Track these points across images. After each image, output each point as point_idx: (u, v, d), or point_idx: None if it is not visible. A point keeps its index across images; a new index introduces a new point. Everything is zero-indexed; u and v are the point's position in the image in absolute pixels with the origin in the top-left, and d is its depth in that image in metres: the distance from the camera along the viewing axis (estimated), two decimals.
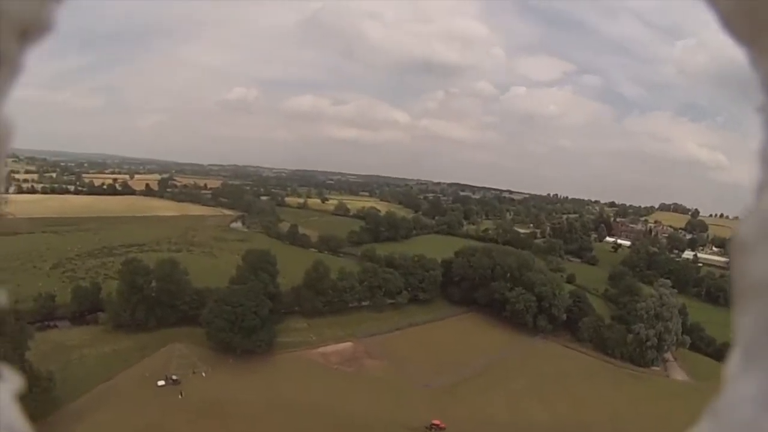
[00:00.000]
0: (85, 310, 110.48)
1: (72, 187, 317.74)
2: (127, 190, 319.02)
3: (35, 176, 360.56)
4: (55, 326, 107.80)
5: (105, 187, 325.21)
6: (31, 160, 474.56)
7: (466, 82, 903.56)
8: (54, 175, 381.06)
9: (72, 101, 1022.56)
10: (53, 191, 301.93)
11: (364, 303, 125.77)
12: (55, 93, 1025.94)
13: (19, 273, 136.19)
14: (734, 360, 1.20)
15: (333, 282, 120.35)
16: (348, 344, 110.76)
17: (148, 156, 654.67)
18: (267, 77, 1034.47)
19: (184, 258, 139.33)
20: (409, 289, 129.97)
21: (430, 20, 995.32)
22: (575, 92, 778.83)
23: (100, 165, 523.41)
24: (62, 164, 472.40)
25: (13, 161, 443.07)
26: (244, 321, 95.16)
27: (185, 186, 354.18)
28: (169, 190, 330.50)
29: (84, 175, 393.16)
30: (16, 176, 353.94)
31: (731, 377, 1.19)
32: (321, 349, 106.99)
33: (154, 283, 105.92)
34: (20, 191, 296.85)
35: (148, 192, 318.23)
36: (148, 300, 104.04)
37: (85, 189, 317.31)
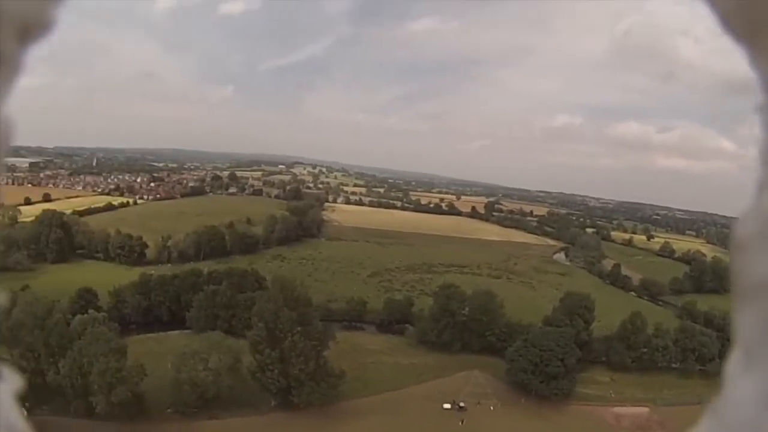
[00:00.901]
0: (394, 320, 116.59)
1: (398, 203, 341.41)
2: (452, 211, 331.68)
3: (363, 190, 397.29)
4: (362, 328, 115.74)
5: (431, 206, 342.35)
6: (360, 175, 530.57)
7: None
8: (381, 190, 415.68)
9: (399, 125, 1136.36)
10: (380, 205, 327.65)
11: (673, 365, 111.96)
12: (384, 118, 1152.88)
13: (338, 276, 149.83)
14: (734, 360, 1.19)
15: (647, 338, 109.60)
16: (644, 409, 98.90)
17: (474, 179, 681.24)
18: (589, 103, 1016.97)
19: (502, 286, 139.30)
20: (725, 356, 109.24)
21: None
22: None
23: (427, 184, 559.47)
24: (390, 181, 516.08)
25: (342, 175, 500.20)
26: (548, 366, 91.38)
27: (511, 211, 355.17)
28: (495, 214, 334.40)
29: (411, 192, 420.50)
30: (345, 188, 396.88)
31: (731, 377, 1.18)
32: (616, 409, 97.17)
33: (467, 310, 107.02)
34: (348, 202, 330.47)
35: (473, 214, 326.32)
36: (458, 325, 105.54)
37: (411, 206, 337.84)
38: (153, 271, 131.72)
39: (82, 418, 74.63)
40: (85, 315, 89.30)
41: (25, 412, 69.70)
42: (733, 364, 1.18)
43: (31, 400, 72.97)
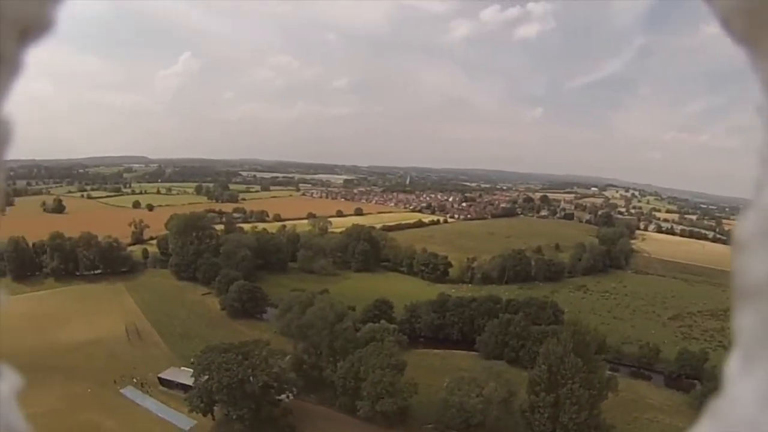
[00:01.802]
0: (684, 374, 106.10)
1: (710, 234, 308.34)
2: None
3: (675, 217, 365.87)
4: (649, 377, 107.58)
5: None
6: (673, 200, 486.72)
7: None
8: (694, 218, 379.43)
9: (711, 142, 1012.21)
10: (691, 235, 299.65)
11: None
12: (695, 135, 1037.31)
13: (637, 315, 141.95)
14: (734, 360, 1.19)
15: None
16: None
17: None
18: None
19: None
20: None
21: None
22: None
23: (735, 210, 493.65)
24: (703, 206, 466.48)
25: (655, 199, 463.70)
26: None
27: None
28: None
29: (724, 221, 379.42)
30: (657, 214, 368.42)
31: (731, 377, 1.18)
32: None
33: None
34: (659, 230, 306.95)
35: None
36: None
37: (723, 237, 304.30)
38: (453, 290, 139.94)
39: (344, 413, 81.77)
40: (377, 324, 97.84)
41: (292, 396, 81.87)
42: (733, 364, 1.20)
43: (304, 387, 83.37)
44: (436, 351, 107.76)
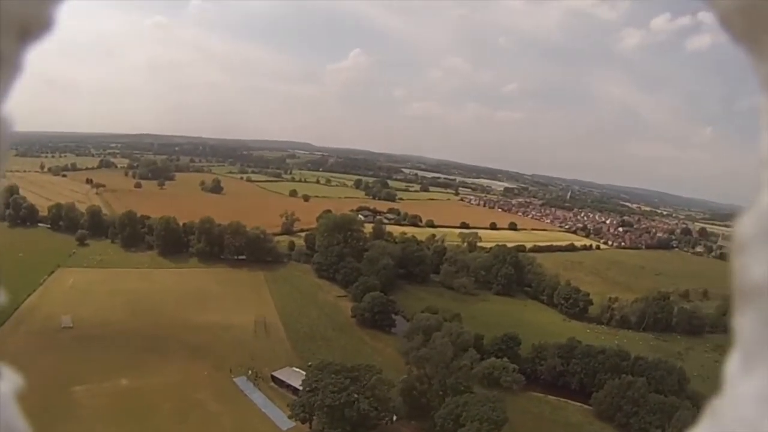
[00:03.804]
0: None
1: None
2: None
3: None
4: None
5: None
6: None
7: None
8: None
9: None
10: None
11: None
12: None
13: None
14: (734, 360, 1.19)
15: None
16: None
17: None
18: None
19: None
20: None
21: None
22: None
23: None
24: None
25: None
26: None
27: None
28: None
29: None
30: None
31: (731, 377, 1.19)
32: None
33: None
34: None
35: None
36: None
37: None
38: (588, 330, 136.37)
39: None
40: (499, 359, 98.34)
41: (392, 422, 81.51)
42: (733, 364, 1.19)
43: (407, 413, 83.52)
44: (550, 398, 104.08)
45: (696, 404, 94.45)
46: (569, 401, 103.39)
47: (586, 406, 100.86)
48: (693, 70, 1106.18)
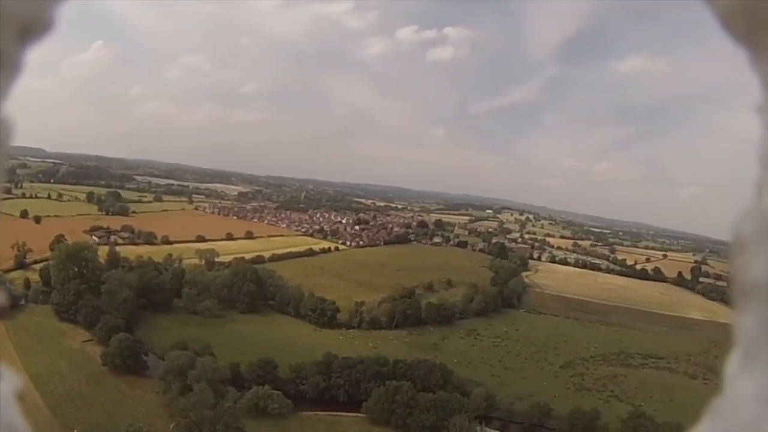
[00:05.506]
0: None
1: (603, 264, 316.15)
2: (658, 276, 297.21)
3: (569, 244, 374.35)
4: None
5: (637, 267, 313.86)
6: (567, 223, 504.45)
7: None
8: (588, 243, 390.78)
9: (609, 171, 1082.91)
10: (584, 266, 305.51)
11: None
12: (593, 164, 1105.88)
13: (528, 364, 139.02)
14: (734, 360, 1.20)
15: None
16: None
17: (683, 229, 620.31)
18: None
19: (697, 390, 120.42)
20: None
21: None
22: None
23: (635, 235, 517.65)
24: (596, 231, 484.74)
25: (549, 224, 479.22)
26: None
27: (718, 276, 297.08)
28: (701, 280, 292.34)
29: (617, 247, 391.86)
30: (550, 240, 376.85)
31: (731, 377, 1.19)
32: None
33: None
34: (552, 260, 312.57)
35: (679, 281, 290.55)
36: None
37: (616, 268, 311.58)
38: (341, 337, 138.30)
39: None
40: (261, 387, 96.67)
41: None
42: (733, 364, 1.19)
43: None
44: (321, 414, 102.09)
45: (464, 393, 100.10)
46: (341, 414, 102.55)
47: (360, 415, 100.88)
48: (432, 78, 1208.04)
